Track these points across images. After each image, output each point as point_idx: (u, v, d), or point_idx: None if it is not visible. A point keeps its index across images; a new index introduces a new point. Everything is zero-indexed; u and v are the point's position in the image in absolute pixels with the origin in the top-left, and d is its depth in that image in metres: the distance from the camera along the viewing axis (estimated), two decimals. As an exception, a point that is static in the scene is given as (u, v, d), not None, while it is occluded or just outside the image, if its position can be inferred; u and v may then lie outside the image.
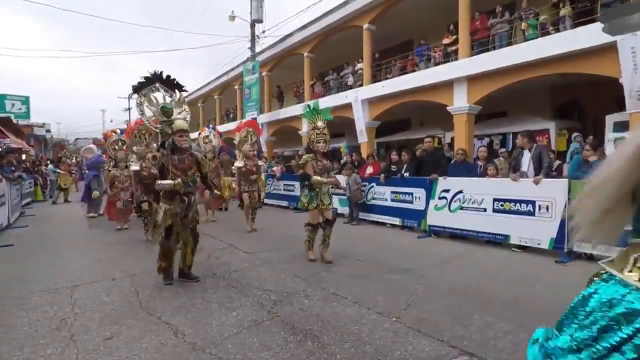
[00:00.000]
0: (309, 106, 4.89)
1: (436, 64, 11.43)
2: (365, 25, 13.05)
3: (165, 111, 3.98)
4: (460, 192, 6.01)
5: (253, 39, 17.56)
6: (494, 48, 9.71)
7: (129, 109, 38.59)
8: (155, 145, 5.88)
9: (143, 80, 4.11)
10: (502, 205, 5.44)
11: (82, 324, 2.99)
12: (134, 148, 6.43)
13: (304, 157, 4.76)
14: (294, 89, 18.55)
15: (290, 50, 16.87)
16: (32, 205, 11.92)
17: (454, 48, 10.96)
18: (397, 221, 7.15)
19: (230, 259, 4.96)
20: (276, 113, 17.91)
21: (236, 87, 21.26)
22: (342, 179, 8.17)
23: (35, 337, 2.77)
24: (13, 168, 9.72)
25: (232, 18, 17.47)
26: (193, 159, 3.93)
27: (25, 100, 18.14)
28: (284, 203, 10.69)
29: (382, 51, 14.08)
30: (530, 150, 5.45)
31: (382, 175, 7.47)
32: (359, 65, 14.24)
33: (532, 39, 8.72)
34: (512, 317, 3.01)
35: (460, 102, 10.33)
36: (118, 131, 8.23)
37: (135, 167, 6.20)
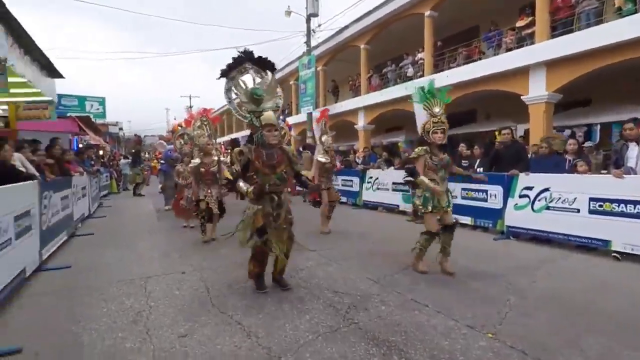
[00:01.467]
0: (422, 89, 3.96)
1: (507, 50, 10.46)
2: (427, 12, 12.34)
3: (255, 98, 3.41)
4: (547, 189, 5.33)
5: (309, 33, 17.46)
6: (579, 28, 8.63)
7: (190, 106, 40.67)
8: (208, 139, 5.62)
9: (232, 62, 3.61)
10: (601, 205, 4.71)
11: (156, 318, 2.97)
12: (196, 139, 5.91)
13: (416, 150, 3.98)
14: (349, 82, 18.20)
15: (346, 43, 16.54)
16: (108, 197, 12.88)
17: (529, 31, 9.95)
18: (468, 220, 6.58)
19: (295, 255, 4.79)
20: (331, 107, 17.71)
21: (292, 82, 21.40)
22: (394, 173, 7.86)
23: (114, 329, 2.78)
24: (92, 162, 10.49)
25: (288, 13, 17.49)
26: (284, 154, 3.46)
27: (102, 101, 19.64)
28: (342, 199, 10.44)
29: (444, 39, 13.26)
30: (638, 143, 4.65)
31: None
32: (419, 55, 13.55)
33: (631, 14, 7.57)
34: (637, 343, 2.49)
35: (537, 90, 9.35)
36: (184, 124, 7.70)
37: (194, 161, 5.62)
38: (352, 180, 10.14)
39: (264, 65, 3.68)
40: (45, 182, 4.77)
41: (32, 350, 2.48)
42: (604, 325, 2.75)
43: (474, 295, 3.39)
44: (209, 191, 5.54)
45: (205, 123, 5.90)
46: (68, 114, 14.89)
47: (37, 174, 4.77)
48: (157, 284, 3.79)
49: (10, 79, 5.14)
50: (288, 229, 3.50)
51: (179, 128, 7.72)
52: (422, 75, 12.89)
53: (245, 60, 3.64)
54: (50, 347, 2.53)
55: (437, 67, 12.74)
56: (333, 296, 3.38)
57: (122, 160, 16.95)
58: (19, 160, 4.56)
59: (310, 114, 16.96)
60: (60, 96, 16.89)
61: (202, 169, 5.48)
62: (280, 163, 3.38)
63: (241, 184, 3.34)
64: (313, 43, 17.85)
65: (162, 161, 10.04)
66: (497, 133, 10.17)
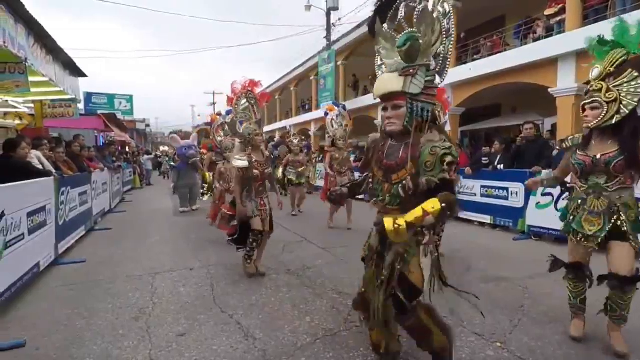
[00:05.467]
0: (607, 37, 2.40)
1: (535, 40, 9.95)
2: (451, 2, 11.89)
3: (400, 51, 1.84)
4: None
5: (329, 27, 17.31)
6: (614, 15, 8.07)
7: (214, 103, 41.35)
8: (257, 127, 3.82)
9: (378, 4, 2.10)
10: (631, 205, 4.38)
11: (158, 315, 2.97)
12: (240, 127, 3.90)
13: (570, 138, 2.59)
14: (370, 77, 17.89)
15: (367, 37, 16.25)
16: (131, 192, 13.25)
17: (558, 19, 9.42)
18: (487, 219, 6.32)
19: (305, 254, 4.75)
20: (351, 102, 17.49)
21: (312, 77, 21.28)
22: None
23: (116, 326, 2.80)
24: (114, 159, 10.80)
25: (308, 8, 17.41)
26: (415, 151, 1.85)
27: (130, 99, 20.23)
28: (360, 195, 10.29)
29: (468, 30, 12.77)
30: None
31: (469, 167, 6.65)
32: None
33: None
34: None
35: (566, 82, 8.84)
36: (223, 112, 6.29)
37: (241, 162, 3.68)
38: (369, 177, 9.97)
39: None
40: (62, 178, 4.90)
41: (35, 344, 2.53)
42: (631, 345, 2.52)
43: (486, 299, 3.20)
44: (262, 202, 3.84)
45: (252, 102, 3.94)
46: (98, 112, 15.43)
47: (53, 170, 4.90)
48: (164, 280, 3.81)
49: (31, 79, 5.28)
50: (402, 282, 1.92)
51: (218, 117, 6.31)
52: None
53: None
54: (52, 342, 2.56)
55: (460, 59, 12.31)
56: (337, 297, 3.29)
57: (144, 157, 17.39)
58: (36, 157, 4.70)
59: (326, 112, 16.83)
60: (90, 94, 17.56)
61: (256, 171, 3.72)
62: (400, 166, 1.89)
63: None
64: (333, 37, 17.67)
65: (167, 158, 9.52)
66: (522, 128, 9.75)
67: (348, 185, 2.45)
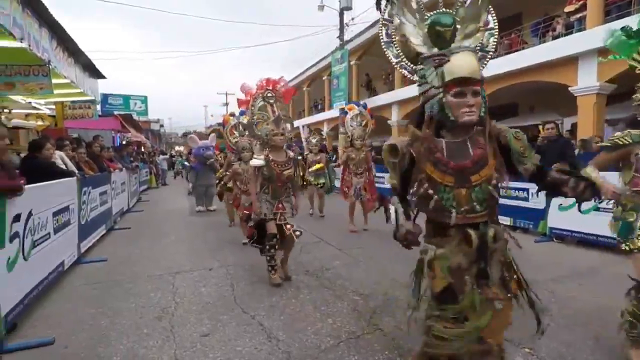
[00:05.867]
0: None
1: (554, 38, 9.75)
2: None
3: (438, 32, 1.68)
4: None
5: (342, 27, 17.23)
6: (638, 11, 7.85)
7: (227, 103, 41.69)
8: (274, 125, 3.60)
9: None
10: (660, 207, 4.24)
11: (181, 315, 3.00)
12: (257, 128, 3.77)
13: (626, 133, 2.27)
14: (383, 77, 17.82)
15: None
16: (147, 191, 13.43)
17: (578, 16, 9.21)
18: (507, 221, 6.19)
19: (322, 255, 4.74)
20: (364, 102, 17.43)
21: (324, 77, 21.26)
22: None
23: (140, 325, 2.83)
24: (132, 159, 10.96)
25: (321, 8, 17.35)
26: (491, 146, 1.65)
27: (144, 100, 20.54)
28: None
29: (483, 28, 12.58)
30: None
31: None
32: (404, 72, 12.97)
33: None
34: None
35: (587, 80, 8.64)
36: (236, 113, 6.22)
37: (257, 160, 3.65)
38: (383, 177, 9.91)
39: None
40: (84, 178, 4.99)
41: (63, 342, 2.57)
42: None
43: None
44: (280, 206, 3.66)
45: (271, 101, 3.82)
46: (114, 112, 15.70)
47: (76, 171, 4.99)
48: (184, 279, 3.84)
49: (54, 81, 5.40)
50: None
51: (232, 118, 6.21)
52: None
53: None
54: (79, 340, 2.61)
55: (476, 59, 12.13)
56: (358, 299, 3.27)
57: (160, 157, 17.63)
58: (60, 157, 4.80)
59: (342, 110, 16.78)
60: (106, 95, 17.86)
61: (272, 172, 3.57)
62: (479, 164, 1.61)
63: (394, 205, 1.80)
64: (346, 37, 17.62)
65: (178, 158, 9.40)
66: (540, 127, 9.54)
67: (412, 217, 1.82)
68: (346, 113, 6.46)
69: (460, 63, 1.58)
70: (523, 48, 10.74)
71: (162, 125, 40.62)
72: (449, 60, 1.59)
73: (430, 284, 1.70)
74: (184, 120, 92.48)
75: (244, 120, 5.67)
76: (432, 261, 1.68)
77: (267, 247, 3.57)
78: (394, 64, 1.95)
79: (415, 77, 1.79)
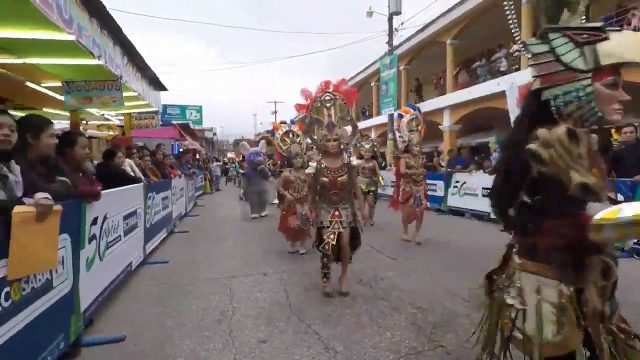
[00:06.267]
0: None
1: (635, 29, 8.87)
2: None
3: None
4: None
5: (391, 32, 17.01)
6: None
7: (275, 111, 42.85)
8: (327, 131, 3.53)
9: None
10: None
11: (239, 319, 3.06)
12: (314, 133, 3.71)
13: None
14: (434, 81, 17.34)
15: (431, 39, 15.77)
16: (202, 197, 14.10)
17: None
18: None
19: (374, 264, 4.63)
20: (414, 108, 17.04)
21: (372, 83, 21.13)
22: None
23: (201, 327, 2.92)
24: (189, 165, 11.58)
25: (370, 14, 17.28)
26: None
27: (199, 109, 21.71)
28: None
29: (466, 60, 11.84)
30: None
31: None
32: (515, 47, 12.26)
33: None
34: None
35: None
36: (288, 121, 6.30)
37: (309, 168, 3.66)
38: (436, 184, 9.56)
39: None
40: (149, 184, 5.33)
41: (132, 340, 2.73)
42: None
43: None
44: (337, 213, 3.53)
45: (328, 104, 3.61)
46: (173, 122, 16.75)
47: (143, 177, 5.35)
48: (240, 284, 3.94)
49: (125, 94, 5.85)
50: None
51: (283, 126, 6.18)
52: (518, 69, 11.68)
53: None
54: (146, 340, 2.75)
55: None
56: (416, 312, 3.14)
57: (214, 164, 18.45)
58: (129, 165, 5.18)
59: (391, 116, 16.52)
60: (165, 106, 19.09)
61: (325, 179, 3.49)
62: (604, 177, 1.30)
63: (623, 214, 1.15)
64: (395, 42, 17.39)
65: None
66: (613, 131, 8.72)
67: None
68: (401, 117, 6.28)
69: (630, 43, 1.19)
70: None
71: (214, 134, 42.55)
72: (607, 38, 1.19)
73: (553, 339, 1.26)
74: (235, 128, 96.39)
75: (295, 128, 5.80)
76: (563, 306, 1.23)
77: (322, 256, 3.55)
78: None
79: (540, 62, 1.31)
